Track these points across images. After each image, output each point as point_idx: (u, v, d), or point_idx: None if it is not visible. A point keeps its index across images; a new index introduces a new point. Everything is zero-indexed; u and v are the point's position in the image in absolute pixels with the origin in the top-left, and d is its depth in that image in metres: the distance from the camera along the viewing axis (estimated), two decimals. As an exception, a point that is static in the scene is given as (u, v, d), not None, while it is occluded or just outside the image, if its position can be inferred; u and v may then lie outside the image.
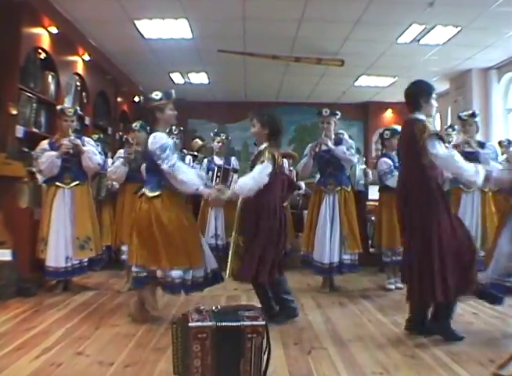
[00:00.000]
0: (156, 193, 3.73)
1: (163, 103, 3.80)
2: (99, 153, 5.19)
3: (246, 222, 3.77)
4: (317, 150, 5.13)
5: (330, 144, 5.09)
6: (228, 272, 3.81)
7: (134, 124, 5.34)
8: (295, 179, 7.10)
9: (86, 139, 5.24)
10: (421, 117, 3.45)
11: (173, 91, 3.92)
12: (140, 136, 5.20)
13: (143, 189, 3.82)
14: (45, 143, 5.01)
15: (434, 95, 3.54)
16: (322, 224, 5.06)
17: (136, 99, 10.06)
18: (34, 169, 5.08)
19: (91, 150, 5.05)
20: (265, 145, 3.79)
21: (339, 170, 5.18)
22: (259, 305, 3.77)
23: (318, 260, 5.03)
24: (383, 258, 5.30)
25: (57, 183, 4.94)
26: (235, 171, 6.27)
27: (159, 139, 3.70)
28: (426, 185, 3.34)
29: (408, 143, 3.44)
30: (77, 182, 4.99)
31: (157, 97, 3.80)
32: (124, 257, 5.14)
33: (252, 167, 3.80)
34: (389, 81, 9.54)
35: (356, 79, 9.46)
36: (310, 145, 5.28)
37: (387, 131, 5.40)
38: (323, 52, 7.64)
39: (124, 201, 5.25)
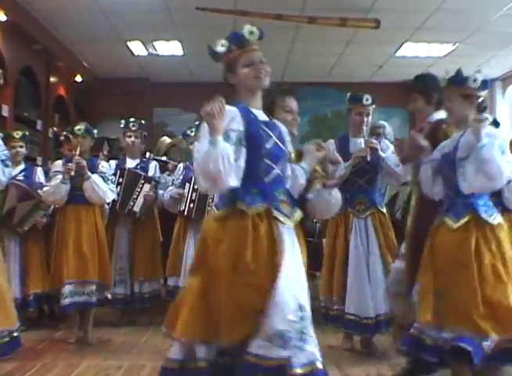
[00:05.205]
0: None
1: None
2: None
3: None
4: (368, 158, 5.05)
5: (379, 149, 5.09)
6: None
7: (77, 128, 5.76)
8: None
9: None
10: None
11: None
12: (85, 143, 5.73)
13: None
14: None
15: None
16: (355, 261, 5.07)
17: (78, 78, 10.12)
18: None
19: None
20: None
21: (371, 184, 5.20)
22: None
23: (357, 313, 5.02)
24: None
25: None
26: None
27: None
28: None
29: None
30: None
31: None
32: (66, 301, 5.55)
33: None
34: (446, 50, 9.58)
35: (398, 48, 9.50)
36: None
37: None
38: (350, 8, 7.68)
39: (66, 229, 5.66)
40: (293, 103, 3.88)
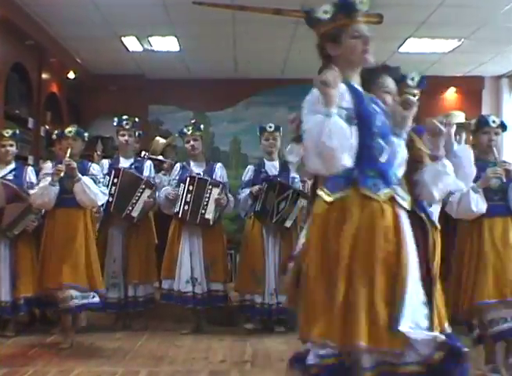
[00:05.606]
0: None
1: None
2: None
3: None
4: None
5: None
6: None
7: (67, 130, 5.88)
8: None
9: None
10: None
11: None
12: (75, 145, 5.85)
13: None
14: None
15: None
16: None
17: (71, 75, 10.10)
18: None
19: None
20: None
21: None
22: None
23: None
24: (481, 329, 4.90)
25: None
26: (216, 184, 6.27)
27: None
28: None
29: None
30: None
31: None
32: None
33: None
34: (451, 46, 9.54)
35: (402, 43, 9.47)
36: None
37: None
38: (351, 2, 7.66)
39: (55, 233, 5.76)
40: (392, 84, 3.62)
